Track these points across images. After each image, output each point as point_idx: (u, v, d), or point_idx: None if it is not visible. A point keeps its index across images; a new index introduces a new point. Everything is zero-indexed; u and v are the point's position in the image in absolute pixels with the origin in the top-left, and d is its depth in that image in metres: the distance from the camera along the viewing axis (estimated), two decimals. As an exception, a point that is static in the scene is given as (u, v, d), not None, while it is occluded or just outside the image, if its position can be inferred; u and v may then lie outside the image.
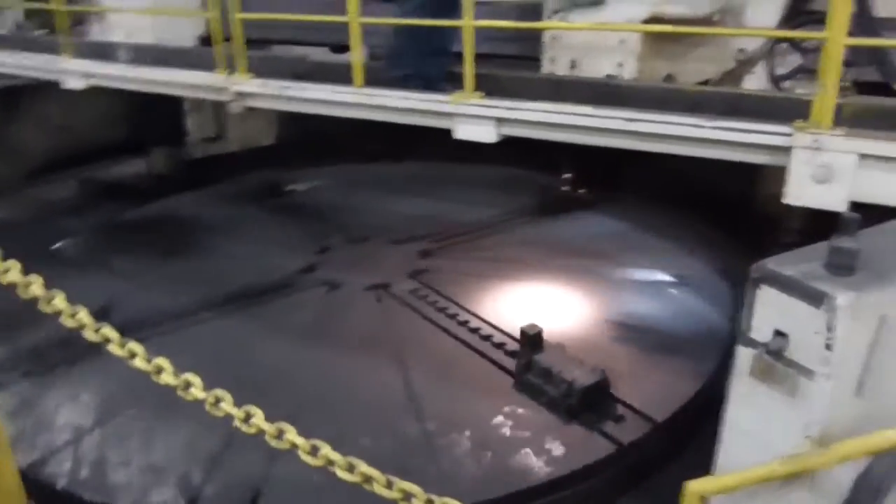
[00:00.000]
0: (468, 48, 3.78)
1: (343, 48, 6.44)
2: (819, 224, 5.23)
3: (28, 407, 3.83)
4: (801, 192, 3.09)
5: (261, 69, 4.90)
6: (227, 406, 2.19)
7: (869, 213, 3.04)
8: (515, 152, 4.83)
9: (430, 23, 4.17)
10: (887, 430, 1.96)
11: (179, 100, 7.88)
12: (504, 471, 3.29)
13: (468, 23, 3.75)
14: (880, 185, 2.97)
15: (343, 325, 4.57)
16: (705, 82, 4.35)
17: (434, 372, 3.98)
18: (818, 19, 4.07)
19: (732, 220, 6.19)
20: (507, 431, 3.53)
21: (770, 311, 2.18)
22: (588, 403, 3.56)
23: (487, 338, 4.26)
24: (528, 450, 3.39)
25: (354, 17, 4.10)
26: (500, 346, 4.17)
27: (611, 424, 3.55)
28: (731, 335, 4.61)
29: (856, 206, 3.09)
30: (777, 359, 2.17)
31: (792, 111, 3.61)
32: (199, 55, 5.98)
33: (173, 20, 6.47)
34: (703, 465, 2.48)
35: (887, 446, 2.00)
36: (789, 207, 5.82)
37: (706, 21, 4.09)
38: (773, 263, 2.19)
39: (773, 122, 3.30)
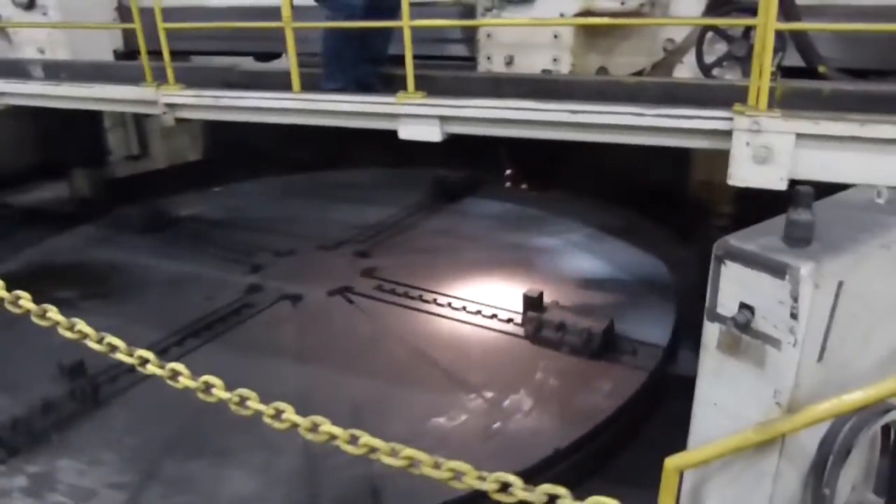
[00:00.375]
0: (408, 48, 3.77)
1: (268, 56, 6.37)
2: (747, 207, 5.48)
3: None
4: (743, 173, 3.20)
5: (189, 80, 4.77)
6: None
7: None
8: (451, 152, 4.87)
9: (366, 25, 4.16)
10: (849, 393, 2.06)
11: (98, 118, 7.59)
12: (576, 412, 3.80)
13: (406, 23, 3.74)
14: (816, 163, 3.10)
15: (337, 331, 4.64)
16: (639, 73, 4.46)
17: (459, 349, 4.40)
18: (740, 8, 4.25)
19: (665, 208, 6.38)
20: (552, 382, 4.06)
21: (735, 285, 2.25)
22: (605, 344, 4.27)
23: (477, 312, 4.73)
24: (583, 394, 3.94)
25: (288, 22, 4.03)
26: (492, 316, 4.71)
27: (629, 357, 4.27)
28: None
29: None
30: (744, 331, 2.24)
31: (725, 97, 3.74)
32: (119, 69, 5.79)
33: (87, 34, 6.22)
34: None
35: (850, 409, 2.10)
36: (719, 193, 6.08)
37: (635, 13, 4.20)
38: (734, 240, 2.27)
39: (710, 107, 3.42)
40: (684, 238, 6.22)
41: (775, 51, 3.92)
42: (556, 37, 4.31)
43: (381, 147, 6.02)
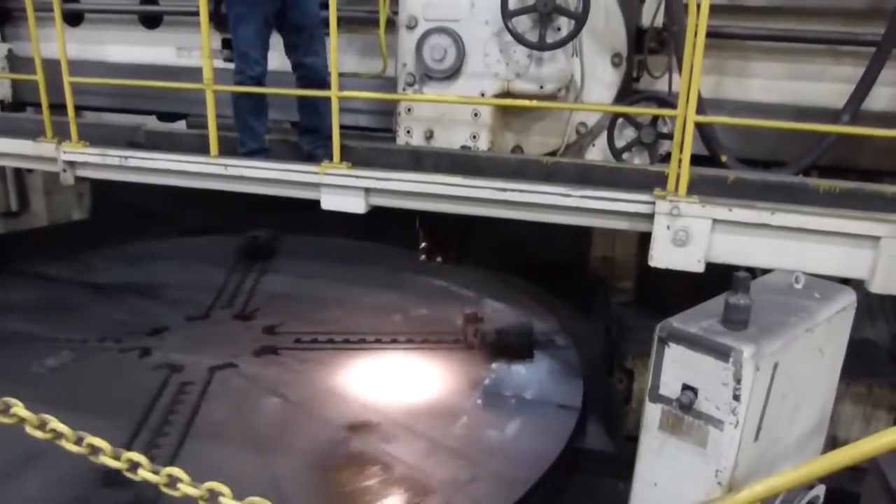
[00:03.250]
0: (335, 118, 3.75)
1: (172, 117, 6.17)
2: (646, 283, 5.72)
3: None
4: (663, 255, 3.35)
5: (90, 137, 4.53)
6: None
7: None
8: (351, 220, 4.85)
9: (296, 93, 4.13)
10: (786, 472, 2.14)
11: (-29, 172, 7.04)
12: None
13: (335, 94, 3.73)
14: (730, 247, 3.30)
15: (295, 391, 4.34)
16: (552, 153, 4.62)
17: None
18: (647, 97, 4.53)
19: (567, 284, 6.53)
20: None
21: (677, 367, 2.31)
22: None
23: (438, 342, 4.92)
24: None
25: (210, 84, 3.93)
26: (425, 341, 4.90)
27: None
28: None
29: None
30: (687, 412, 2.29)
31: (636, 181, 3.97)
32: (8, 121, 5.43)
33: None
34: None
35: (786, 487, 2.19)
36: (618, 269, 6.30)
37: (551, 97, 4.38)
38: (677, 322, 2.34)
39: (621, 189, 3.60)
40: (585, 313, 6.38)
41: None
42: (475, 114, 4.42)
43: (278, 211, 5.97)
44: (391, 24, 4.65)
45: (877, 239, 3.10)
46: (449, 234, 4.91)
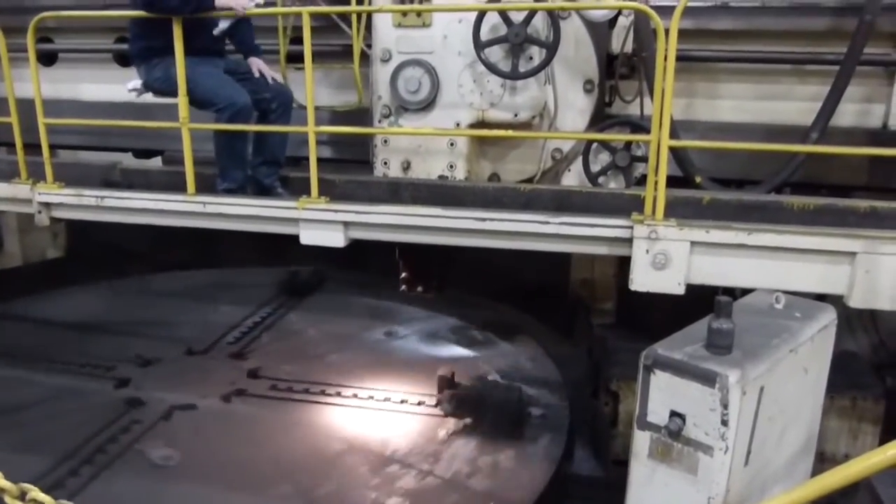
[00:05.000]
0: (312, 152, 3.75)
1: (148, 154, 6.14)
2: (626, 304, 5.74)
3: None
4: (643, 279, 3.36)
5: (64, 178, 4.48)
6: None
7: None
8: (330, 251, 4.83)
9: (268, 129, 4.13)
10: (779, 497, 2.14)
11: (-57, 212, 6.93)
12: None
13: (311, 129, 3.73)
14: (709, 269, 3.32)
15: (245, 439, 4.26)
16: (528, 180, 4.65)
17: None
18: (620, 122, 4.59)
19: (548, 307, 6.55)
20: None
21: (664, 394, 2.32)
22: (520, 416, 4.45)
23: (403, 402, 4.62)
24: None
25: (186, 122, 3.92)
26: (419, 404, 4.57)
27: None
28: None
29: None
30: (676, 439, 2.30)
31: (614, 205, 4.00)
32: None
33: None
34: None
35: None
36: (598, 291, 6.33)
37: (525, 125, 4.42)
38: (662, 349, 2.35)
39: (599, 215, 3.63)
40: (567, 335, 6.39)
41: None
42: (452, 144, 4.44)
43: (254, 246, 5.94)
44: (364, 58, 4.67)
45: (853, 255, 3.14)
46: (429, 263, 4.89)
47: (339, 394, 4.73)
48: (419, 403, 4.58)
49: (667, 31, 3.23)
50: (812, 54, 4.57)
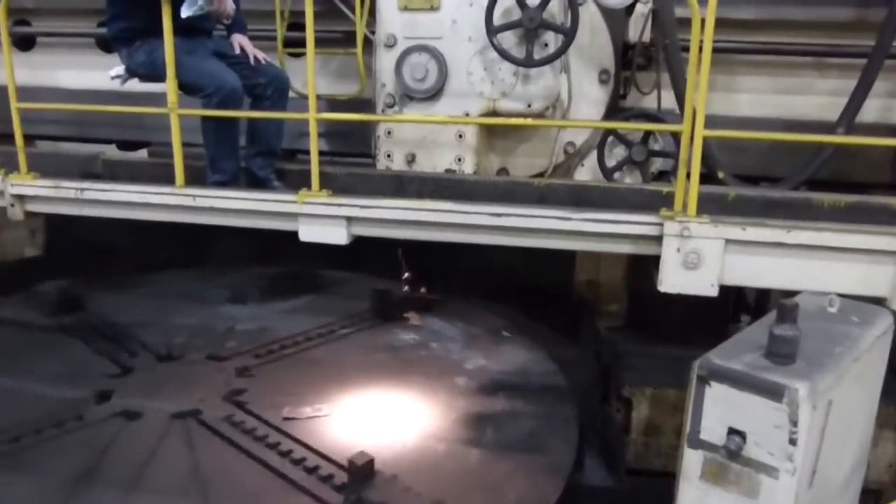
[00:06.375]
0: (314, 142, 3.48)
1: (132, 145, 5.82)
2: (637, 308, 5.50)
3: None
4: (674, 279, 3.13)
5: (40, 169, 4.18)
6: None
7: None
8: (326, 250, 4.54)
9: (264, 115, 3.86)
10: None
11: None
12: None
13: (312, 115, 3.47)
14: (743, 268, 3.10)
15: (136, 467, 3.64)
16: (539, 175, 4.42)
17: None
18: (637, 115, 4.36)
19: (552, 309, 6.32)
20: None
21: (721, 409, 2.08)
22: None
23: (313, 469, 3.48)
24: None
25: (174, 108, 3.63)
26: (327, 478, 3.41)
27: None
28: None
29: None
30: (734, 459, 2.06)
31: (633, 200, 3.78)
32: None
33: None
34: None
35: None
36: (603, 292, 6.12)
37: (539, 116, 4.18)
38: (718, 358, 2.11)
39: (623, 211, 3.39)
40: (571, 338, 6.16)
41: (669, 156, 4.05)
42: (460, 136, 4.19)
43: (248, 244, 5.58)
44: (367, 45, 4.40)
45: (897, 255, 2.93)
46: (433, 262, 4.65)
47: (268, 444, 3.77)
48: (328, 477, 3.50)
49: (703, 21, 3.00)
50: (833, 46, 4.38)
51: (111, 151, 5.43)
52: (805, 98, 4.53)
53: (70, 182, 3.96)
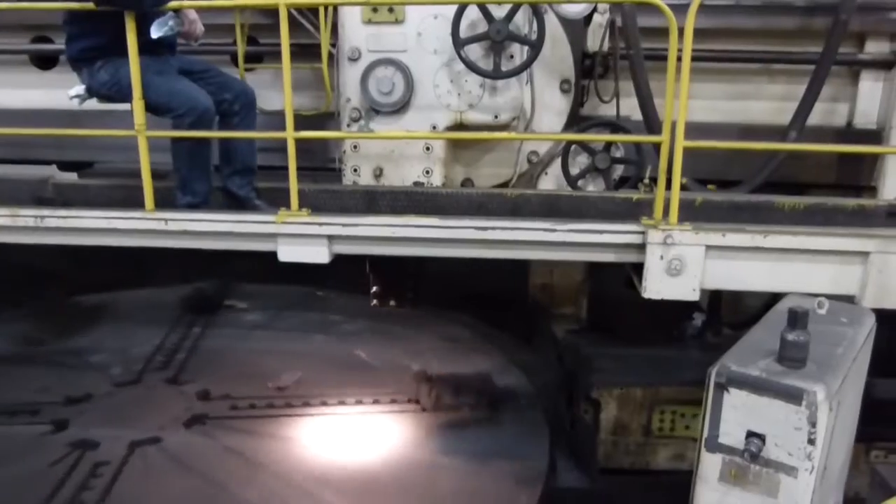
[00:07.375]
0: (292, 160, 3.42)
1: (77, 166, 5.56)
2: (596, 310, 5.61)
3: None
4: (657, 286, 3.22)
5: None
6: None
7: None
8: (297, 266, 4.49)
9: (245, 135, 3.78)
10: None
11: None
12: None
13: (290, 135, 3.41)
14: (723, 273, 3.22)
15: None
16: (503, 184, 4.45)
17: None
18: (595, 124, 4.45)
19: (507, 315, 6.38)
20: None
21: (740, 413, 2.15)
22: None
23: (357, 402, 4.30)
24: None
25: (142, 130, 3.50)
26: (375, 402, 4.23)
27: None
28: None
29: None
30: (753, 461, 2.14)
31: (604, 209, 3.87)
32: None
33: None
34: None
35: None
36: (558, 295, 6.21)
37: (505, 128, 4.22)
38: (735, 365, 2.18)
39: (607, 221, 3.47)
40: (528, 342, 6.24)
41: (646, 165, 4.16)
42: (428, 149, 4.19)
43: (181, 263, 5.44)
44: (330, 57, 4.35)
45: (866, 255, 3.10)
46: (402, 275, 4.63)
47: (306, 403, 4.41)
48: (392, 402, 4.42)
49: (681, 30, 3.10)
50: (781, 53, 4.58)
51: (59, 174, 5.17)
52: (756, 103, 4.71)
53: (28, 210, 3.74)
